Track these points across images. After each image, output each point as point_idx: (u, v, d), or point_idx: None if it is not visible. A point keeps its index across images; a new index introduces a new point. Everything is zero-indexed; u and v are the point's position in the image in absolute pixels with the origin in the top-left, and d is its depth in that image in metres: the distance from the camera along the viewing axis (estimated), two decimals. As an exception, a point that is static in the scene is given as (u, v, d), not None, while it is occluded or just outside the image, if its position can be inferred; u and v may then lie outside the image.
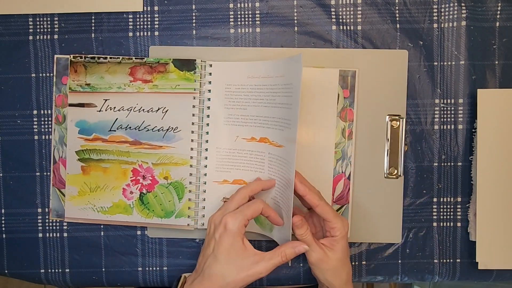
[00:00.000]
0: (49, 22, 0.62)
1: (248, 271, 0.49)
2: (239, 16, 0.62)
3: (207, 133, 0.61)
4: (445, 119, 0.62)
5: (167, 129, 0.60)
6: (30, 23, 0.62)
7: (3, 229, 0.64)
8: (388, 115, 0.61)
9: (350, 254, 0.60)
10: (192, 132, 0.60)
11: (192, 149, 0.60)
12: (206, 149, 0.61)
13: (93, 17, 0.62)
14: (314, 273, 0.55)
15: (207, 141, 0.61)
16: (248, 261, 0.49)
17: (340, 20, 0.61)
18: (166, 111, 0.60)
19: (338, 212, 0.59)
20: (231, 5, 0.62)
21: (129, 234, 0.63)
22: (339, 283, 0.53)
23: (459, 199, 0.62)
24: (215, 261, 0.50)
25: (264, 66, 0.58)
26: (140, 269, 0.63)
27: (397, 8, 0.61)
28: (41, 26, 0.62)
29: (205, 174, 0.61)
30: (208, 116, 0.61)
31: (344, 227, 0.53)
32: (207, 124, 0.61)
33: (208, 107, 0.60)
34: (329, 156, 0.61)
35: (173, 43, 0.62)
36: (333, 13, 0.61)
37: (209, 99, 0.60)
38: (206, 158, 0.61)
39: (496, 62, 0.61)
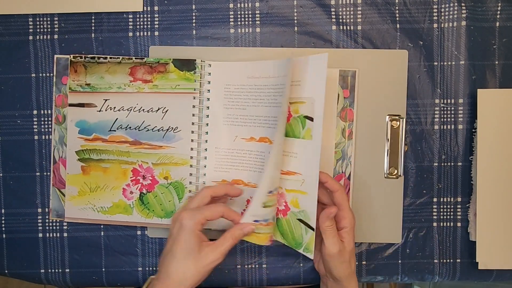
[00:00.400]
0: (49, 22, 0.62)
1: (203, 262, 0.50)
2: (239, 16, 0.62)
3: (207, 133, 0.61)
4: (445, 119, 0.62)
5: (167, 129, 0.60)
6: (30, 23, 0.63)
7: (3, 229, 0.64)
8: (388, 115, 0.61)
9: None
10: (192, 132, 0.60)
11: (192, 149, 0.60)
12: (206, 149, 0.61)
13: (93, 17, 0.62)
14: (327, 265, 0.55)
15: (206, 141, 0.61)
16: (202, 253, 0.51)
17: (340, 20, 0.61)
18: (166, 111, 0.60)
19: None
20: (231, 5, 0.62)
21: (129, 234, 0.63)
22: (346, 275, 0.55)
23: (459, 199, 0.62)
24: (173, 259, 0.51)
25: (264, 66, 0.58)
26: (140, 269, 0.63)
27: (397, 8, 0.61)
28: (41, 26, 0.62)
29: (205, 174, 0.61)
30: (207, 116, 0.61)
31: (353, 219, 0.55)
32: (207, 124, 0.60)
33: (208, 107, 0.60)
34: (329, 156, 0.61)
35: (173, 43, 0.62)
36: (333, 13, 0.61)
37: (208, 99, 0.60)
38: (205, 158, 0.61)
39: (496, 62, 0.61)
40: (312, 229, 0.54)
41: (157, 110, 0.60)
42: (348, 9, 0.61)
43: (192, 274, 0.50)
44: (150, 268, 0.63)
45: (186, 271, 0.50)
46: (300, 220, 0.56)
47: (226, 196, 0.56)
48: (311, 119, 0.54)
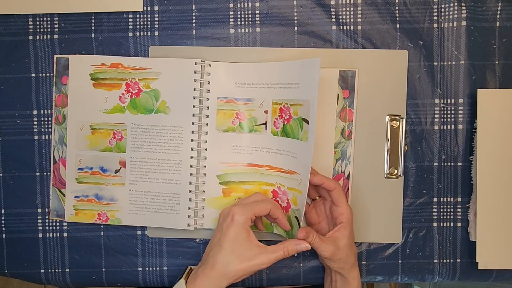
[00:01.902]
0: (49, 22, 0.62)
1: (250, 261, 0.51)
2: (239, 16, 0.62)
3: (207, 133, 0.61)
4: (445, 119, 0.62)
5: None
6: (30, 23, 0.63)
7: (3, 229, 0.64)
8: (388, 115, 0.61)
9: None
10: (192, 132, 0.60)
11: (192, 149, 0.60)
12: (206, 149, 0.61)
13: (93, 17, 0.62)
14: (326, 264, 0.57)
15: (206, 141, 0.61)
16: (251, 252, 0.51)
17: (340, 20, 0.61)
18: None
19: None
20: (231, 5, 0.62)
21: (129, 234, 0.63)
22: (348, 267, 0.55)
23: (459, 199, 0.62)
24: (220, 250, 0.51)
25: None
26: (140, 269, 0.63)
27: (397, 8, 0.61)
28: (41, 26, 0.62)
29: (204, 174, 0.61)
30: (207, 116, 0.61)
31: (350, 214, 0.56)
32: (206, 124, 0.61)
33: (208, 107, 0.60)
34: (329, 156, 0.61)
35: (173, 43, 0.62)
36: (333, 13, 0.61)
37: (208, 99, 0.60)
38: (205, 158, 0.61)
39: (496, 62, 0.61)
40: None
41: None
42: (348, 9, 0.61)
43: (236, 268, 0.50)
44: (150, 268, 0.63)
45: (231, 264, 0.51)
46: (296, 217, 0.56)
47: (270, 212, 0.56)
48: (307, 121, 0.54)
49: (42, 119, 0.63)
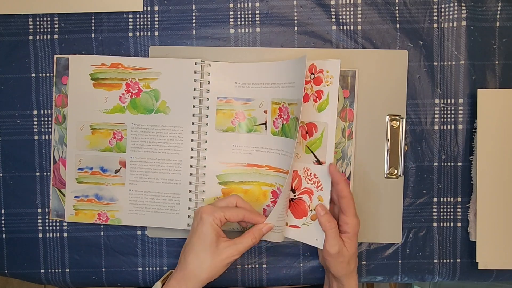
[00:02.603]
0: (49, 22, 0.62)
1: (220, 256, 0.52)
2: (239, 16, 0.62)
3: (206, 133, 0.61)
4: (445, 119, 0.62)
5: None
6: (30, 23, 0.63)
7: (3, 229, 0.64)
8: (388, 115, 0.61)
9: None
10: (192, 132, 0.60)
11: (192, 149, 0.60)
12: (205, 149, 0.61)
13: (93, 17, 0.62)
14: (326, 263, 0.56)
15: (206, 141, 0.61)
16: (220, 247, 0.52)
17: (340, 20, 0.61)
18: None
19: None
20: (231, 5, 0.62)
21: (129, 234, 0.63)
22: (344, 274, 0.55)
23: (459, 199, 0.62)
24: (190, 250, 0.52)
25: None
26: (140, 269, 0.63)
27: (397, 8, 0.61)
28: (41, 26, 0.62)
29: (204, 174, 0.61)
30: (207, 116, 0.61)
31: (356, 226, 0.55)
32: (206, 124, 0.61)
33: (207, 107, 0.60)
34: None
35: (173, 43, 0.62)
36: (333, 13, 0.61)
37: (208, 99, 0.60)
38: (205, 158, 0.61)
39: (496, 62, 0.61)
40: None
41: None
42: (348, 9, 0.61)
43: (208, 267, 0.51)
44: (150, 268, 0.63)
45: (202, 263, 0.51)
46: None
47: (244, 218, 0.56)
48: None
49: (42, 119, 0.63)
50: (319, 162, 0.56)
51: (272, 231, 0.55)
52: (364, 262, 0.63)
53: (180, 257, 0.55)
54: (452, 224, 0.62)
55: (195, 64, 0.60)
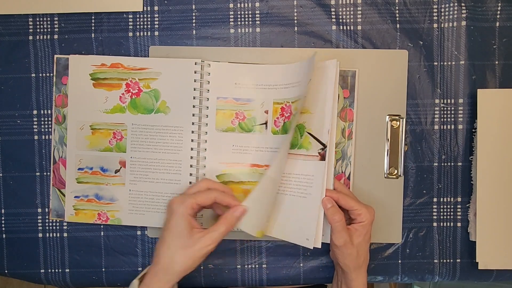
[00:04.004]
0: (49, 22, 0.62)
1: (194, 246, 0.50)
2: (239, 16, 0.62)
3: (206, 133, 0.61)
4: (445, 119, 0.62)
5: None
6: (30, 23, 0.63)
7: (3, 229, 0.64)
8: (388, 115, 0.61)
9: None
10: (192, 132, 0.60)
11: (192, 149, 0.60)
12: (205, 149, 0.61)
13: (93, 17, 0.62)
14: (335, 255, 0.56)
15: (206, 141, 0.61)
16: (193, 238, 0.50)
17: (340, 20, 0.61)
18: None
19: None
20: (231, 5, 0.62)
21: (129, 234, 0.63)
22: (352, 267, 0.55)
23: (459, 199, 0.62)
24: (163, 244, 0.51)
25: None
26: (140, 269, 0.63)
27: (397, 8, 0.61)
28: (41, 26, 0.62)
29: (204, 174, 0.61)
30: (207, 116, 0.61)
31: (369, 214, 0.55)
32: (206, 124, 0.61)
33: (207, 107, 0.61)
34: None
35: (173, 43, 0.62)
36: (333, 13, 0.61)
37: (208, 99, 0.60)
38: (205, 158, 0.61)
39: (496, 62, 0.61)
40: None
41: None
42: (348, 9, 0.61)
43: (181, 259, 0.50)
44: (150, 268, 0.63)
45: (175, 255, 0.50)
46: None
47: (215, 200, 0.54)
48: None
49: (42, 119, 0.63)
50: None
51: (249, 219, 0.53)
52: (364, 262, 0.63)
53: (154, 252, 0.53)
54: (452, 224, 0.62)
55: (195, 64, 0.60)
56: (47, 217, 0.64)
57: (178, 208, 0.51)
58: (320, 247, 0.55)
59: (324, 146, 0.55)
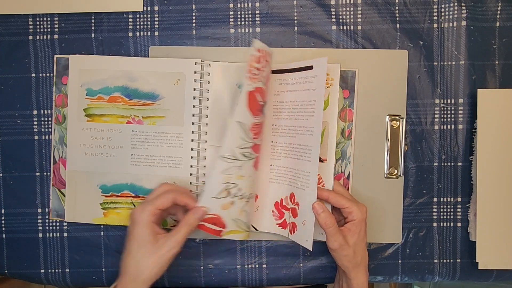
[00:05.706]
0: (49, 22, 0.62)
1: (159, 251, 0.50)
2: (239, 16, 0.62)
3: (206, 133, 0.61)
4: (445, 119, 0.62)
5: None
6: (30, 23, 0.63)
7: (3, 229, 0.64)
8: (388, 115, 0.61)
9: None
10: (192, 132, 0.60)
11: (192, 149, 0.60)
12: (205, 149, 0.61)
13: (93, 17, 0.62)
14: (333, 257, 0.56)
15: (206, 141, 0.61)
16: (157, 244, 0.51)
17: (340, 20, 0.61)
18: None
19: None
20: (231, 5, 0.62)
21: (129, 234, 0.63)
22: (352, 266, 0.55)
23: (459, 199, 0.62)
24: (128, 254, 0.51)
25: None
26: (140, 269, 0.63)
27: (397, 8, 0.61)
28: (41, 26, 0.62)
29: (204, 174, 0.61)
30: (207, 116, 0.61)
31: (361, 211, 0.55)
32: (206, 124, 0.61)
33: (207, 107, 0.60)
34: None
35: (173, 43, 0.62)
36: (333, 13, 0.61)
37: (208, 99, 0.60)
38: (205, 158, 0.61)
39: (496, 62, 0.61)
40: None
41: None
42: (348, 9, 0.61)
43: (147, 266, 0.50)
44: (150, 268, 0.63)
45: (140, 264, 0.50)
46: None
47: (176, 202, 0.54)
48: None
49: (42, 119, 0.63)
50: (320, 159, 0.56)
51: (210, 215, 0.53)
52: (364, 262, 0.63)
53: (120, 263, 0.53)
54: (452, 224, 0.62)
55: (195, 64, 0.60)
56: (47, 217, 0.64)
57: (139, 217, 0.51)
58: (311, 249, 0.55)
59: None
